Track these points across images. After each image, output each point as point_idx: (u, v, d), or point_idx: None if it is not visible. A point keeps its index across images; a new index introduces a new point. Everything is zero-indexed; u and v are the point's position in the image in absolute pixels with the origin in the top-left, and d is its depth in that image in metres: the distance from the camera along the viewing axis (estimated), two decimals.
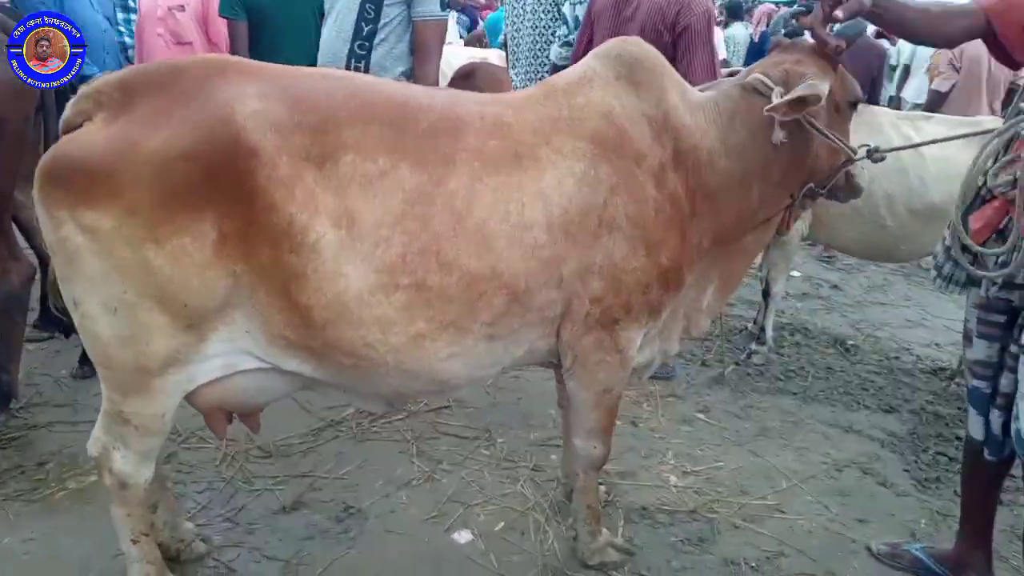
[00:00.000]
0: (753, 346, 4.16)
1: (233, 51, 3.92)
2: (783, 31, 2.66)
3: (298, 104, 1.83)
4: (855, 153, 2.31)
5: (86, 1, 4.33)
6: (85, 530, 2.47)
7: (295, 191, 1.78)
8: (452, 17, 8.14)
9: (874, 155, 2.33)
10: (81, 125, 1.80)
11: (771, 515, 2.80)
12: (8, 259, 3.01)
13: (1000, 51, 2.25)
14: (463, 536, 2.60)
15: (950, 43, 2.46)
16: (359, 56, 3.08)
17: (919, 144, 2.87)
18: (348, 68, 3.06)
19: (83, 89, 1.84)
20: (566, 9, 4.26)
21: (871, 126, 3.90)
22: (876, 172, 3.74)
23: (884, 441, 3.42)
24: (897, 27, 2.35)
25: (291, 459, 2.95)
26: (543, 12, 4.38)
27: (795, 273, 5.95)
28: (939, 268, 2.34)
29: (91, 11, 4.35)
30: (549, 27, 4.42)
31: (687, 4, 3.30)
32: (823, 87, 2.14)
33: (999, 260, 2.09)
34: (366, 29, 3.02)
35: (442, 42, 3.21)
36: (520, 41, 4.70)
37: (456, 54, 6.94)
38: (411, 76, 3.18)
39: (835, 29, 2.33)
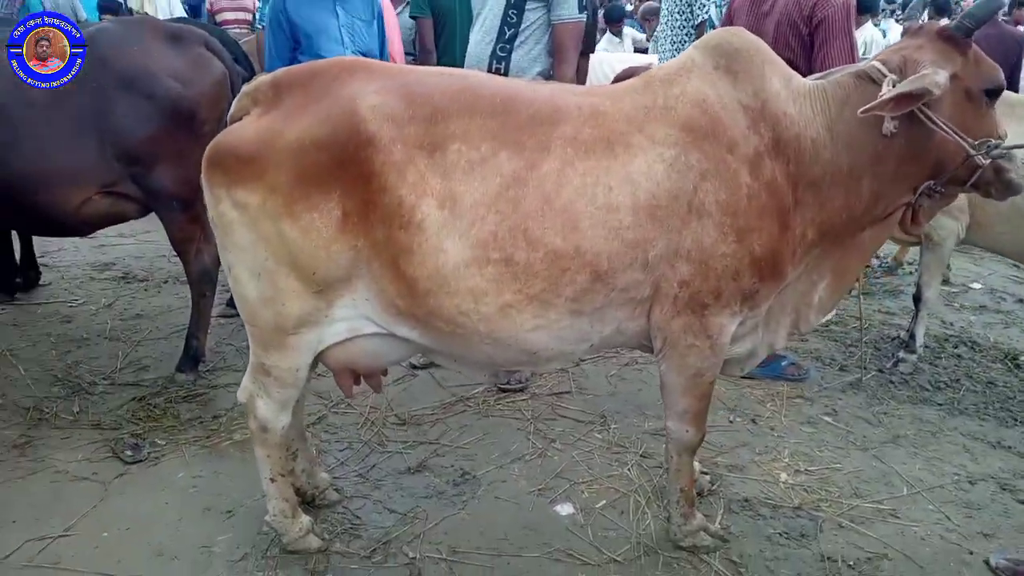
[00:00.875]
0: (901, 354, 3.97)
1: (421, 45, 4.55)
2: (921, 15, 2.59)
3: (413, 99, 2.08)
4: (976, 148, 2.20)
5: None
6: (243, 473, 2.87)
7: (407, 175, 2.03)
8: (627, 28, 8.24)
9: (992, 151, 2.21)
10: (241, 118, 2.17)
11: (883, 519, 2.72)
12: (202, 240, 3.54)
13: None
14: (565, 509, 2.76)
15: None
16: (500, 58, 3.30)
17: None
18: (489, 70, 3.29)
19: (244, 88, 2.22)
20: (712, 11, 4.31)
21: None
22: None
23: None
24: None
25: (421, 427, 3.25)
26: (684, 20, 4.45)
27: (976, 285, 5.55)
28: None
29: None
30: (687, 30, 4.49)
31: None
32: (939, 77, 2.08)
33: None
34: (508, 32, 3.23)
35: (579, 43, 3.35)
36: (664, 45, 4.79)
37: (620, 59, 7.09)
38: (549, 76, 3.38)
39: (967, 9, 2.27)
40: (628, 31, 8.35)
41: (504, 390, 3.45)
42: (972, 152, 2.18)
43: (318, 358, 2.33)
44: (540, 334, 2.15)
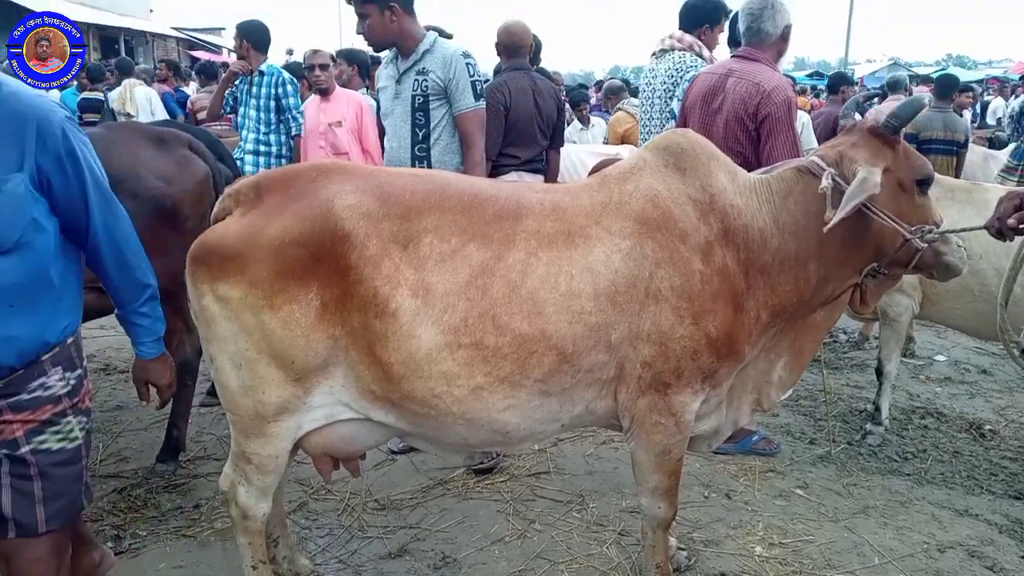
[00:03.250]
0: (868, 426, 4.08)
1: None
2: (853, 114, 2.79)
3: (387, 198, 2.24)
4: (911, 232, 2.38)
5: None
6: (224, 562, 2.90)
7: (381, 267, 2.17)
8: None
9: (927, 236, 2.39)
10: (224, 218, 2.31)
11: None
12: (184, 331, 3.63)
13: None
14: None
15: None
16: (420, 157, 3.51)
17: (974, 228, 2.80)
18: None
19: (227, 189, 2.37)
20: (675, 105, 4.56)
21: (979, 204, 3.83)
22: (987, 248, 3.68)
23: (1003, 527, 3.26)
24: None
25: (401, 512, 3.29)
26: (669, 112, 4.67)
27: (940, 357, 5.71)
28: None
29: None
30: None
31: (767, 95, 3.47)
32: (875, 177, 2.28)
33: None
34: (420, 133, 3.53)
35: (482, 128, 3.57)
36: (652, 131, 5.01)
37: (591, 152, 7.34)
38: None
39: (893, 109, 2.47)
40: (596, 120, 8.66)
41: (478, 471, 3.51)
42: (908, 236, 2.36)
43: (297, 444, 2.40)
44: (511, 414, 2.25)
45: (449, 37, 6.94)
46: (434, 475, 3.57)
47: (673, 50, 4.31)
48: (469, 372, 2.17)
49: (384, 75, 3.68)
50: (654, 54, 4.47)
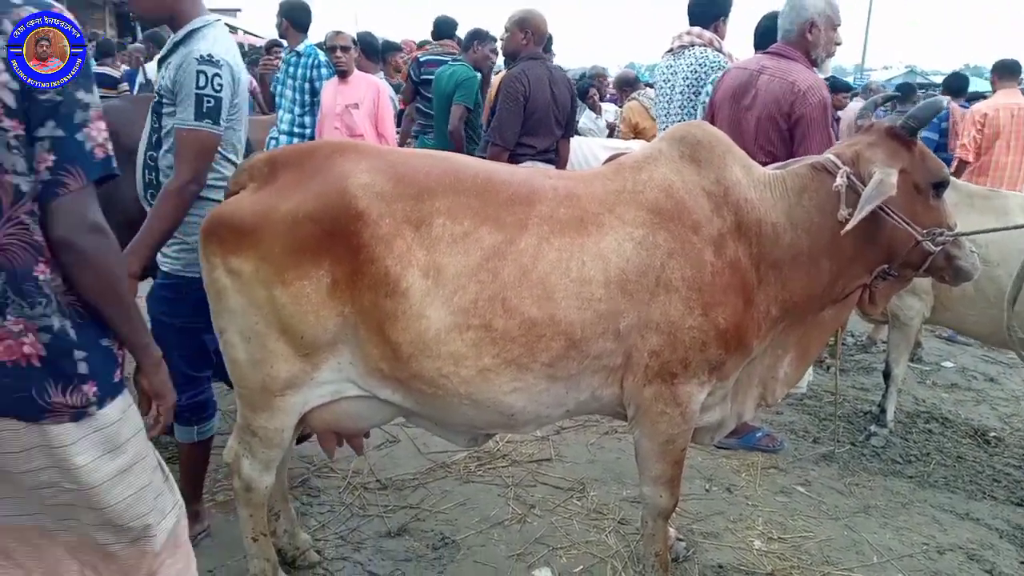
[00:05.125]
0: (873, 427, 4.07)
1: None
2: (872, 113, 2.77)
3: (401, 178, 2.24)
4: (923, 235, 2.38)
5: None
6: (225, 533, 2.92)
7: (393, 247, 2.17)
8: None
9: (938, 238, 2.38)
10: (238, 192, 2.32)
11: None
12: None
13: None
14: (543, 573, 2.82)
15: None
16: (149, 167, 2.80)
17: (994, 229, 2.81)
18: (143, 179, 2.80)
19: (241, 164, 2.38)
20: (703, 100, 4.53)
21: (998, 211, 3.81)
22: (1004, 254, 3.66)
23: (1004, 532, 3.26)
24: None
25: (403, 492, 3.31)
26: (692, 107, 4.64)
27: (947, 363, 5.69)
28: None
29: None
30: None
31: (802, 95, 3.40)
32: (891, 178, 2.27)
33: None
34: (153, 138, 2.75)
35: (198, 155, 2.57)
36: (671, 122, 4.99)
37: (603, 145, 7.33)
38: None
39: (911, 111, 2.46)
40: (608, 106, 8.64)
41: None
42: (920, 238, 2.36)
43: (303, 420, 2.42)
44: (517, 396, 2.26)
45: (454, 26, 6.98)
46: (436, 458, 3.59)
47: (693, 46, 4.28)
48: (477, 353, 2.18)
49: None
50: (671, 50, 4.45)
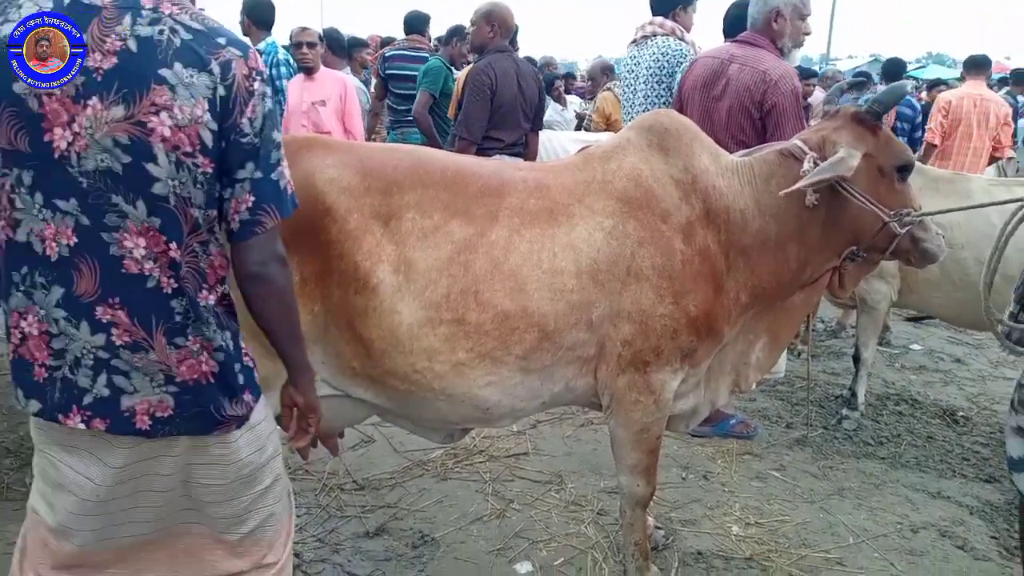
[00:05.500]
0: (844, 411, 4.13)
1: None
2: (838, 99, 2.80)
3: (368, 172, 2.22)
4: (890, 217, 2.40)
5: None
6: None
7: (362, 243, 2.15)
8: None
9: (904, 219, 2.42)
10: None
11: (830, 568, 2.82)
12: None
13: None
14: (524, 567, 2.81)
15: None
16: None
17: (959, 208, 2.83)
18: None
19: None
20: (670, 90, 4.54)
21: (961, 194, 3.87)
22: (969, 237, 3.73)
23: (974, 508, 3.32)
24: None
25: (380, 492, 3.29)
26: (656, 96, 4.65)
27: (915, 346, 5.78)
28: (1007, 334, 2.35)
29: None
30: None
31: (774, 84, 3.40)
32: (852, 160, 2.30)
33: None
34: None
35: None
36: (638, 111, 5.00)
37: (573, 139, 7.33)
38: None
39: (875, 95, 2.50)
40: (572, 99, 8.66)
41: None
42: (887, 219, 2.38)
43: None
44: (492, 390, 2.25)
45: (426, 21, 6.92)
46: (412, 456, 3.57)
47: (656, 36, 4.29)
48: (451, 348, 2.17)
49: None
50: (634, 41, 4.46)
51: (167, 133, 1.39)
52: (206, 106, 1.41)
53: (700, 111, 3.60)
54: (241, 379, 1.62)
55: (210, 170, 1.45)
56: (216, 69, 1.42)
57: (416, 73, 5.90)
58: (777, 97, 3.40)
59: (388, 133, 6.65)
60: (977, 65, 7.13)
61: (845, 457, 3.74)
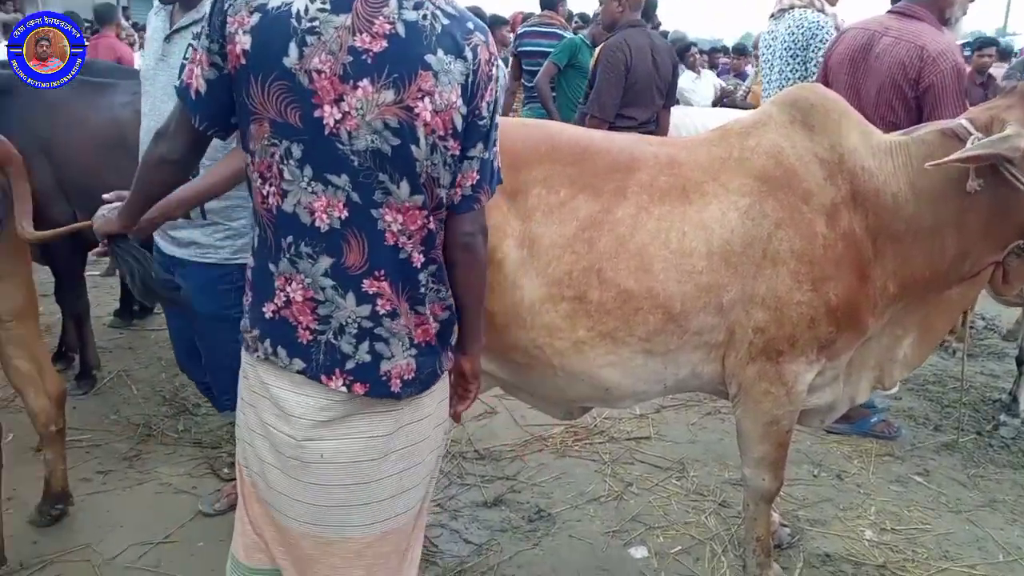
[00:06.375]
0: (1003, 417, 3.78)
1: None
2: (1020, 75, 2.53)
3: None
4: None
5: None
6: None
7: (489, 218, 2.14)
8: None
9: None
10: None
11: None
12: None
13: None
14: (639, 551, 2.77)
15: None
16: None
17: None
18: None
19: None
20: (809, 66, 4.29)
21: None
22: None
23: None
24: None
25: (500, 463, 3.32)
26: (791, 72, 4.41)
27: None
28: None
29: None
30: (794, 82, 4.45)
31: (932, 60, 3.10)
32: (1019, 140, 2.07)
33: None
34: None
35: None
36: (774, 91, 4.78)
37: (710, 114, 7.05)
38: None
39: None
40: (708, 73, 8.34)
41: None
42: None
43: None
44: (612, 371, 2.20)
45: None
46: (533, 430, 3.58)
47: (793, 8, 4.05)
48: (571, 325, 2.14)
49: (154, 21, 2.33)
50: (772, 15, 4.23)
51: (428, 118, 1.41)
52: (459, 91, 1.44)
53: (847, 88, 3.33)
54: (454, 337, 1.66)
55: (457, 152, 1.48)
56: (469, 55, 1.44)
57: (549, 50, 5.85)
58: (935, 75, 3.10)
59: (522, 109, 6.65)
60: None
61: (999, 467, 3.43)
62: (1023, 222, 2.20)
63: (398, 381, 1.54)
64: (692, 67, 7.93)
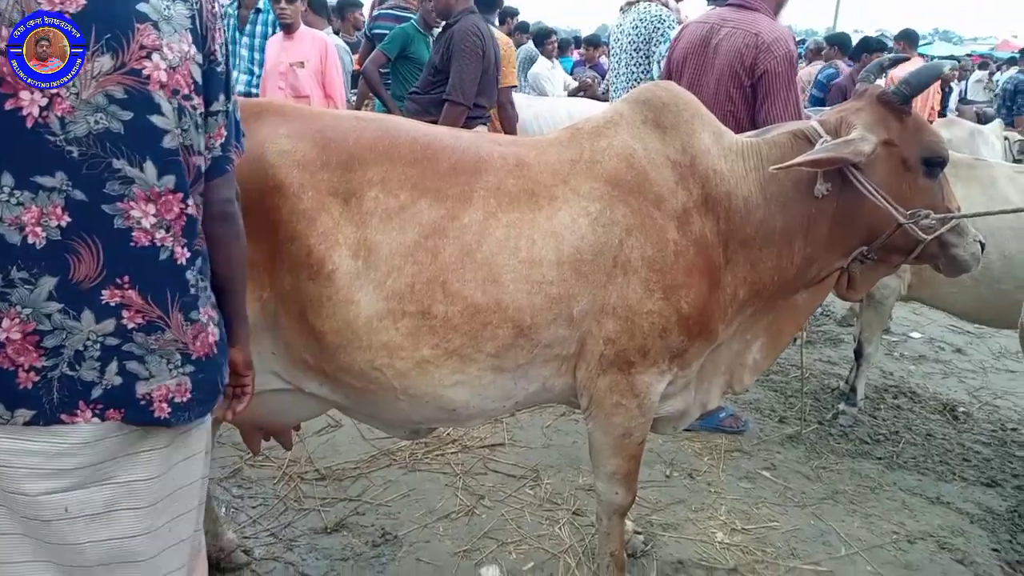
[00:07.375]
0: (841, 406, 3.92)
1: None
2: (873, 77, 2.50)
3: (327, 144, 1.96)
4: (906, 217, 2.14)
5: None
6: None
7: (317, 223, 1.90)
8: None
9: (921, 221, 2.16)
10: None
11: None
12: None
13: None
14: (491, 572, 2.62)
15: None
16: None
17: (983, 214, 2.59)
18: None
19: None
20: (653, 60, 4.27)
21: (984, 181, 3.63)
22: (990, 229, 3.47)
23: (975, 516, 3.13)
24: None
25: (342, 483, 3.07)
26: (635, 65, 4.37)
27: (915, 334, 5.58)
28: None
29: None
30: (641, 80, 4.43)
31: (767, 47, 3.15)
32: (863, 145, 2.05)
33: None
34: None
35: None
36: (619, 87, 4.74)
37: (577, 105, 6.92)
38: None
39: (905, 76, 2.23)
40: (555, 62, 8.37)
41: None
42: (901, 220, 2.13)
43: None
44: (460, 390, 2.02)
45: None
46: (380, 444, 3.34)
47: (638, 2, 4.02)
48: (414, 344, 1.93)
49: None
50: (621, 9, 4.19)
51: (164, 78, 1.22)
52: (190, 38, 1.26)
53: (689, 82, 3.32)
54: (224, 340, 1.47)
55: (203, 108, 1.31)
56: None
57: None
58: (770, 62, 3.14)
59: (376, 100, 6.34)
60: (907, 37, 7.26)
61: (840, 457, 3.54)
62: (868, 229, 2.19)
63: (164, 405, 1.32)
64: (549, 55, 7.87)
